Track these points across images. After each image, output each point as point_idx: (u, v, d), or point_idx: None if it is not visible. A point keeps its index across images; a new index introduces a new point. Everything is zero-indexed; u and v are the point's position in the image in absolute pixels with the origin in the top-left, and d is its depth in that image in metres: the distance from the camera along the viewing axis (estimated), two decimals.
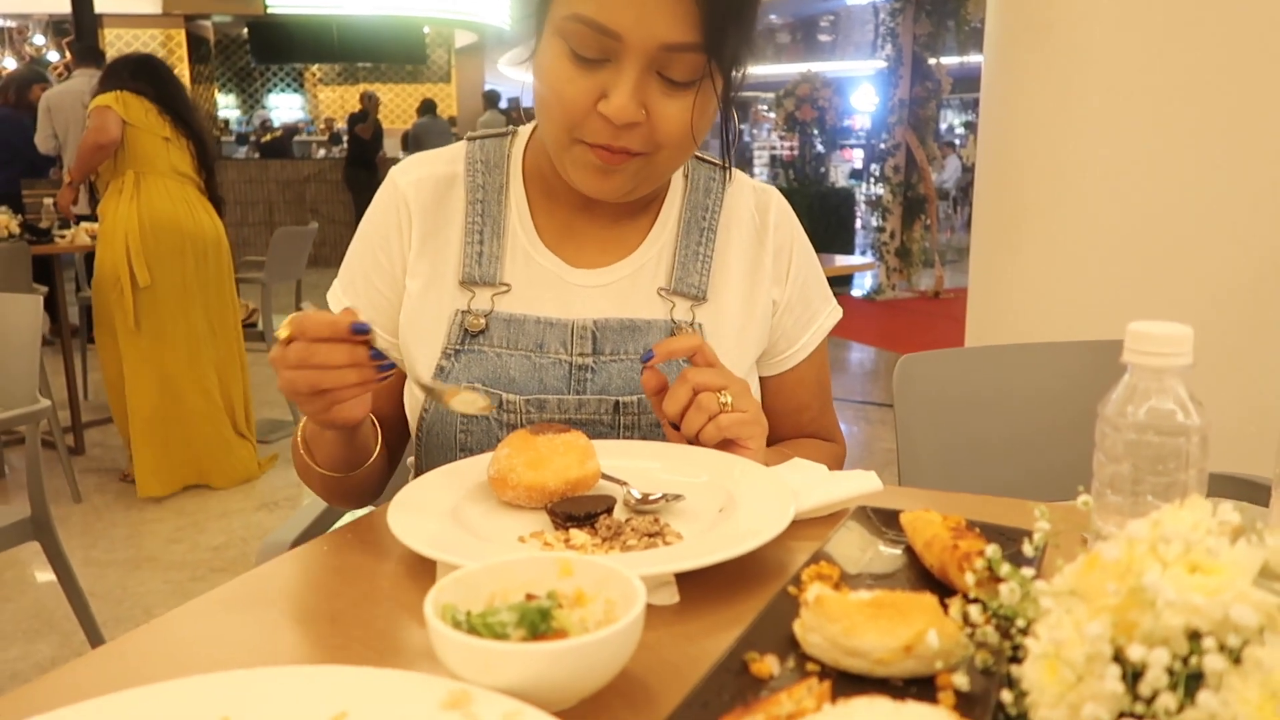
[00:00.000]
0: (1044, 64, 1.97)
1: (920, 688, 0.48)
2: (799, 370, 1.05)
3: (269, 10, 10.41)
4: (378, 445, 0.89)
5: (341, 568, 0.69)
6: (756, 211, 1.03)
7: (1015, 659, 0.45)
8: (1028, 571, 0.48)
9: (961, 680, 0.46)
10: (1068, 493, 1.30)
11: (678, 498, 0.72)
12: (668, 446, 0.83)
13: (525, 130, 1.02)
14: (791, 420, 1.06)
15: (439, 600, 0.49)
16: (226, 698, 0.46)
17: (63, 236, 3.81)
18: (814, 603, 0.49)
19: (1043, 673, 0.40)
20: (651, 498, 0.72)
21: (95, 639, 2.02)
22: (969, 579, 0.50)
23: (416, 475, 0.97)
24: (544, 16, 0.85)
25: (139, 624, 2.49)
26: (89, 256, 4.79)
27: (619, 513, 0.71)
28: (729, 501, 0.71)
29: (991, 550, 0.49)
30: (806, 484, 0.73)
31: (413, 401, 0.97)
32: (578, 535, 0.65)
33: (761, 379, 1.05)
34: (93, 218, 4.70)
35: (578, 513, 0.67)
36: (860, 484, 0.73)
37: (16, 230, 3.76)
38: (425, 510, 0.69)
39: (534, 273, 0.97)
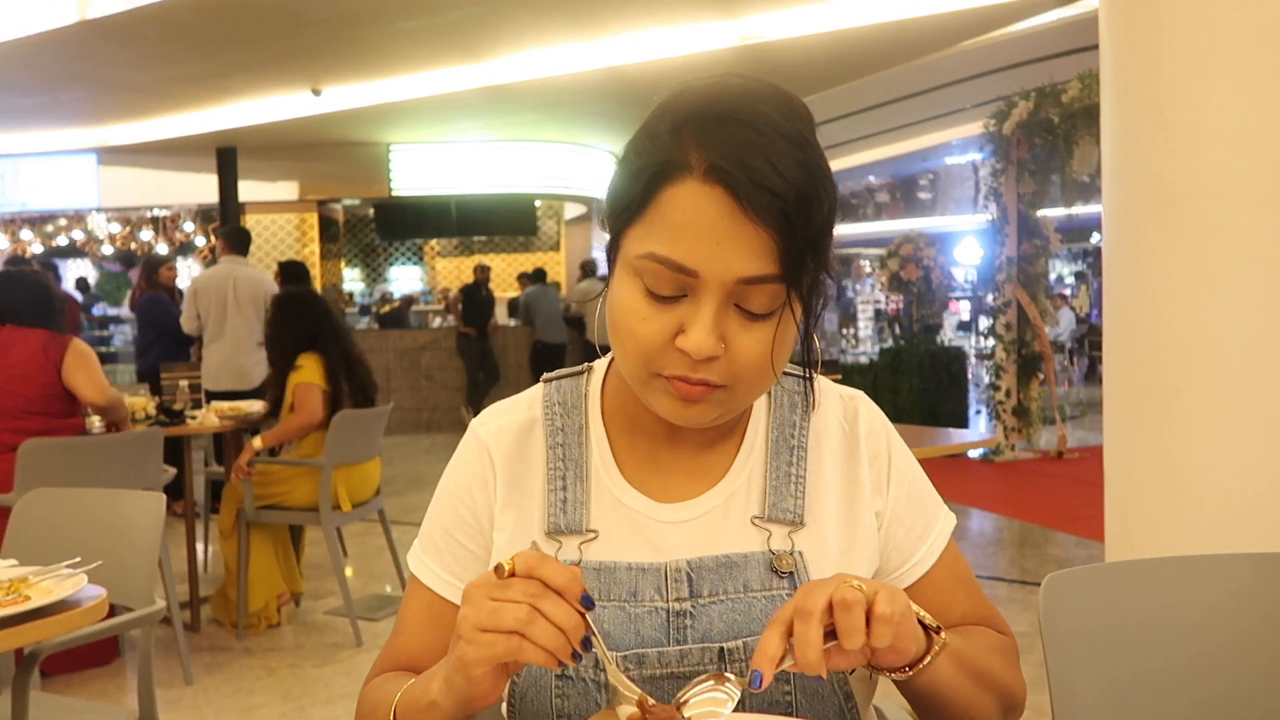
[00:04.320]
0: (1172, 239, 1.87)
1: None
2: (926, 578, 0.95)
3: (394, 193, 11.16)
4: None
5: None
6: (845, 420, 0.96)
7: None
8: None
9: None
10: None
11: None
12: None
13: (601, 365, 1.00)
14: (938, 619, 0.95)
15: None
16: None
17: (193, 417, 3.99)
18: None
19: None
20: None
21: None
22: None
23: None
24: (616, 253, 0.84)
25: None
26: (218, 436, 5.03)
27: None
28: None
29: None
30: None
31: None
32: None
33: None
34: (224, 395, 4.96)
35: None
36: None
37: (153, 412, 3.96)
38: None
39: (620, 515, 0.92)
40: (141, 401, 4.01)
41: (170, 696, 3.20)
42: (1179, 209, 1.86)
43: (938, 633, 0.76)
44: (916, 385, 7.62)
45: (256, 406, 4.30)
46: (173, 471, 3.49)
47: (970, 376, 9.23)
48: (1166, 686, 1.18)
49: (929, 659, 0.76)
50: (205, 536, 5.11)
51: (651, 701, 0.71)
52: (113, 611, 1.80)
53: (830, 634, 0.70)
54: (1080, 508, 5.51)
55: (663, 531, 0.91)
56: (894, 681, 0.79)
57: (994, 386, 7.31)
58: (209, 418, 3.94)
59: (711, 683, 0.72)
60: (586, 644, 0.70)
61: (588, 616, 0.69)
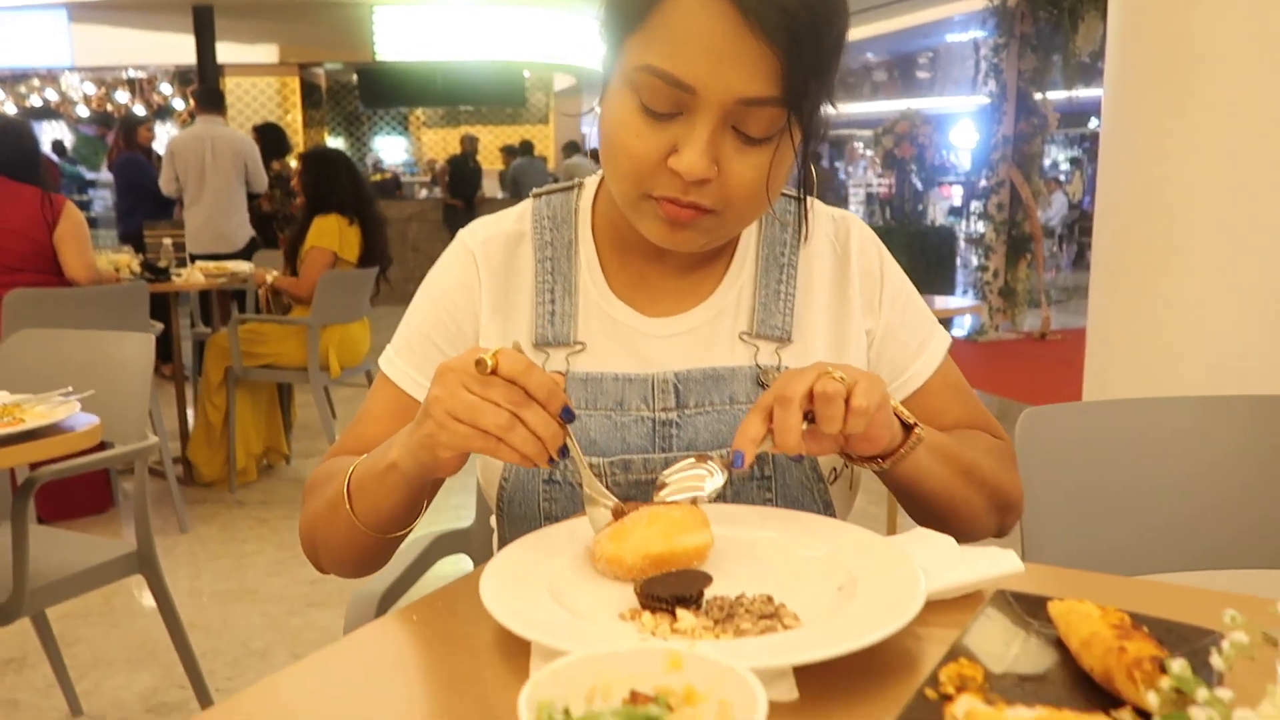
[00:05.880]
0: (1176, 102, 1.85)
1: None
2: (920, 390, 0.97)
3: (378, 58, 10.81)
4: (422, 512, 0.84)
5: (440, 637, 0.65)
6: (836, 240, 0.97)
7: None
8: (1222, 693, 0.40)
9: None
10: (1209, 557, 1.19)
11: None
12: (780, 515, 0.77)
13: (592, 182, 0.99)
14: (931, 425, 0.93)
15: (534, 698, 0.44)
16: None
17: (179, 275, 3.96)
18: (965, 719, 0.42)
19: None
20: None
21: (194, 673, 2.05)
22: (1151, 699, 0.43)
23: (501, 546, 0.93)
24: (613, 65, 0.81)
25: (236, 657, 2.50)
26: (204, 294, 5.01)
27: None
28: (848, 580, 0.65)
29: (1179, 667, 0.42)
30: (936, 561, 0.67)
31: (489, 473, 0.93)
32: (685, 617, 0.60)
33: None
34: (208, 256, 4.91)
35: (665, 594, 0.61)
36: (999, 564, 0.66)
37: (137, 270, 3.93)
38: (520, 581, 0.65)
39: (608, 328, 0.92)
40: (125, 259, 3.96)
41: (166, 544, 3.29)
42: (1188, 71, 1.82)
43: (914, 428, 0.78)
44: (905, 264, 7.56)
45: (244, 267, 4.27)
46: (160, 326, 3.48)
47: (959, 260, 9.22)
48: (1130, 511, 1.23)
49: (903, 450, 0.78)
50: (195, 399, 5.16)
51: (625, 509, 0.74)
52: (104, 451, 1.83)
53: (807, 417, 0.72)
54: (1061, 385, 5.59)
55: (650, 345, 0.92)
56: (875, 473, 0.81)
57: (982, 267, 7.32)
58: (195, 275, 3.91)
59: (692, 461, 0.74)
60: (563, 451, 0.70)
61: (567, 427, 0.70)
